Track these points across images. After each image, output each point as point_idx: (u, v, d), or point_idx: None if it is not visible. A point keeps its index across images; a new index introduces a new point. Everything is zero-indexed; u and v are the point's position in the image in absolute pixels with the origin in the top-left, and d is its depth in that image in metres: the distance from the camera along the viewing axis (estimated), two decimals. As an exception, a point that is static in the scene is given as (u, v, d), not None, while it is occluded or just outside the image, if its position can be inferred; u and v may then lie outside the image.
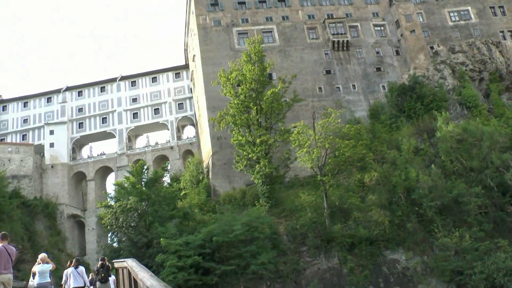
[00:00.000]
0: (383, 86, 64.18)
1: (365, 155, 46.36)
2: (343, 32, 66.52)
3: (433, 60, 65.15)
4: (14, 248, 11.70)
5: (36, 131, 72.33)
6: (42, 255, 14.56)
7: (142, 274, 8.61)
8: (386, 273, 41.66)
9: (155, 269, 39.61)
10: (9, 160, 64.11)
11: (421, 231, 43.61)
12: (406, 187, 45.49)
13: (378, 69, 66.12)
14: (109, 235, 54.74)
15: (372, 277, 41.44)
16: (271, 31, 66.76)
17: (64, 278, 16.93)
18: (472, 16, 70.27)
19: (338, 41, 65.98)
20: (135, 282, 10.66)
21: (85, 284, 17.01)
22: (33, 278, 14.43)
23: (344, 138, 46.07)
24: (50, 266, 14.27)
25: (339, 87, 63.92)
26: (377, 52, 67.31)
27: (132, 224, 46.43)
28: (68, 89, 75.79)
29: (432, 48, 67.22)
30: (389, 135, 55.47)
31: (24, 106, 74.80)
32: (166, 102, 73.52)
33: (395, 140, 52.66)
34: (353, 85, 64.28)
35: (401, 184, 45.55)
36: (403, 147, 49.39)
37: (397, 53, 67.62)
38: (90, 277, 19.97)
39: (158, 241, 41.47)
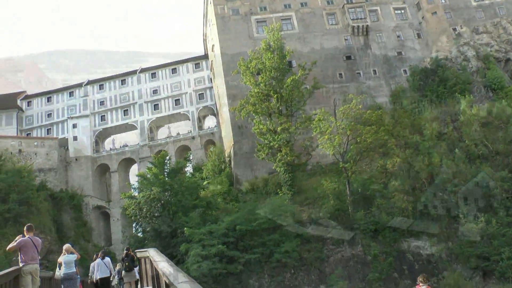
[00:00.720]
0: (405, 71, 63.08)
1: (387, 141, 45.86)
2: (362, 17, 65.49)
3: (456, 42, 63.59)
4: (39, 239, 11.96)
5: (60, 125, 73.42)
6: (67, 246, 14.85)
7: (162, 264, 8.68)
8: (410, 260, 41.34)
9: (180, 258, 40.16)
10: (35, 154, 65.38)
11: (445, 217, 42.96)
12: (429, 172, 44.86)
13: (399, 53, 64.90)
14: (133, 225, 55.59)
15: (396, 264, 41.19)
16: (289, 18, 66.13)
17: (91, 269, 17.70)
18: (498, -6, 68.19)
19: (358, 26, 65.02)
20: (157, 271, 10.79)
21: (111, 273, 17.76)
22: (59, 269, 14.76)
23: (366, 124, 45.62)
24: (75, 256, 14.57)
25: (359, 73, 63.13)
26: (398, 36, 66.08)
27: (156, 214, 46.93)
28: (90, 83, 76.74)
29: (454, 29, 65.56)
30: (411, 120, 54.48)
31: (48, 101, 75.92)
32: (187, 92, 73.71)
33: (417, 125, 51.83)
34: (374, 70, 63.38)
35: (424, 170, 44.90)
36: (425, 132, 48.65)
37: (419, 36, 66.20)
38: (117, 267, 20.53)
39: (182, 231, 41.91)
